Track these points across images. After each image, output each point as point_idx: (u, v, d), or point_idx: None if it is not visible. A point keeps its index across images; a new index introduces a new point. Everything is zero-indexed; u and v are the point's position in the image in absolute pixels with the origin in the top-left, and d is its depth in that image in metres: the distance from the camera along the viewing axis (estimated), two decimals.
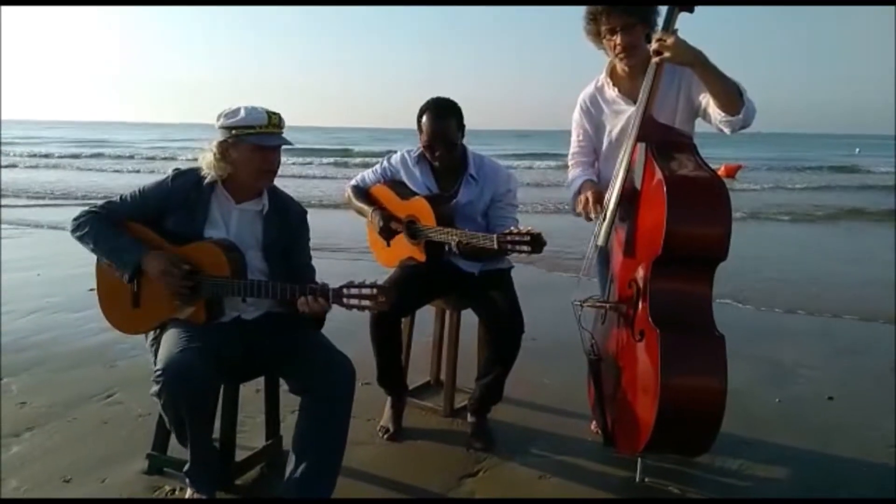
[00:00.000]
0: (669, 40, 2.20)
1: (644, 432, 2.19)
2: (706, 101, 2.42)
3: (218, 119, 2.23)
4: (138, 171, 19.58)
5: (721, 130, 2.42)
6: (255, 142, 2.20)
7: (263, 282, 2.20)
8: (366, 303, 2.07)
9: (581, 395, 2.89)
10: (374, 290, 2.07)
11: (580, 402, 2.98)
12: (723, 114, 2.34)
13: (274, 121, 2.22)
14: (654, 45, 2.24)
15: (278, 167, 2.31)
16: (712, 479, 2.60)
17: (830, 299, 5.57)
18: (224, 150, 2.23)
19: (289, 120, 2.32)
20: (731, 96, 2.29)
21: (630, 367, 2.34)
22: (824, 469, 2.71)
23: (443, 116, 2.76)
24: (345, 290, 2.09)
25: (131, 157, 25.94)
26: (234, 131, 2.19)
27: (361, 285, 2.08)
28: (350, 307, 2.09)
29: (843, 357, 4.16)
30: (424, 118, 2.77)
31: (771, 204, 13.14)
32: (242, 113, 2.19)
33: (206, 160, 2.26)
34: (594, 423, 2.88)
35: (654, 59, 2.27)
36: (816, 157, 31.88)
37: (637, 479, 2.49)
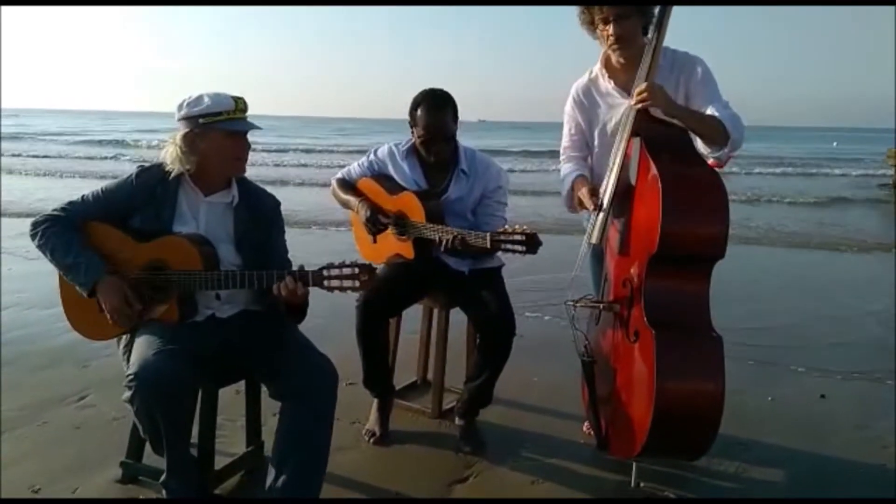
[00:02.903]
0: (655, 90, 2.18)
1: (639, 436, 2.12)
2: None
3: (179, 109, 2.12)
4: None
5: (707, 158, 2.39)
6: (226, 128, 2.10)
7: (236, 272, 2.09)
8: (348, 283, 1.99)
9: (571, 393, 2.81)
10: (356, 270, 1.98)
11: (570, 401, 2.91)
12: (707, 148, 2.31)
13: (240, 105, 2.12)
14: (634, 98, 2.21)
15: (248, 154, 2.22)
16: (709, 482, 2.53)
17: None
18: (191, 141, 2.11)
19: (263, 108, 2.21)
20: (715, 135, 2.26)
21: (625, 369, 2.27)
22: (821, 470, 2.66)
23: (440, 108, 2.64)
24: (325, 272, 2.00)
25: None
26: (200, 120, 2.08)
27: (342, 265, 1.99)
28: (332, 289, 2.01)
29: (833, 353, 4.11)
30: (420, 111, 2.64)
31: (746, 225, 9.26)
32: (207, 100, 2.08)
33: (169, 154, 2.14)
34: (586, 424, 2.82)
35: (635, 106, 2.22)
36: (794, 151, 31.65)
37: (632, 484, 2.42)
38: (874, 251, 7.95)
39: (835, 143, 43.53)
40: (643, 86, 2.19)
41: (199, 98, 2.09)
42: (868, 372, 3.73)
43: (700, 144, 2.33)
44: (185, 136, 2.11)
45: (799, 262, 7.43)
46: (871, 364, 3.86)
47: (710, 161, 2.34)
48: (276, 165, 18.48)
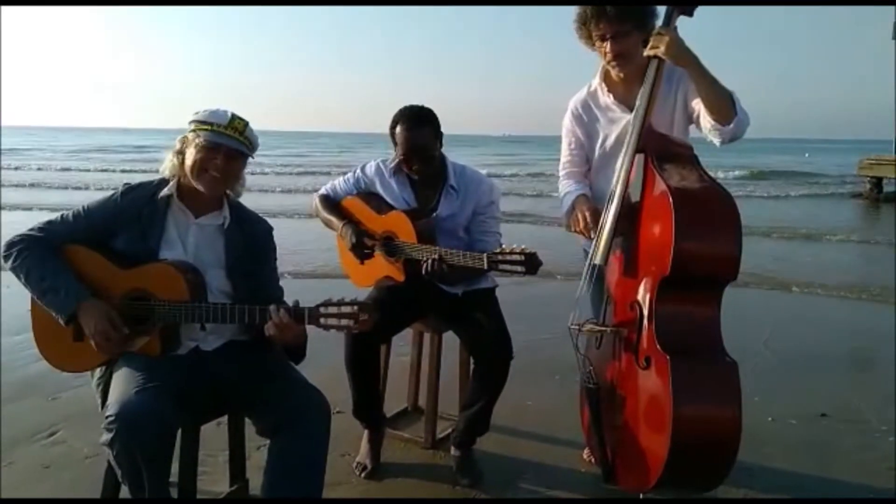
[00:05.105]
0: (666, 37, 2.11)
1: (655, 468, 2.00)
2: (699, 107, 2.29)
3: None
4: None
5: (711, 141, 2.32)
6: (203, 137, 2.00)
7: (225, 305, 1.96)
8: (345, 322, 1.86)
9: (567, 417, 2.70)
10: (355, 308, 1.86)
11: (567, 426, 2.79)
12: (713, 122, 2.23)
13: (236, 124, 2.01)
14: (650, 42, 2.15)
15: (226, 174, 2.05)
16: None
17: None
18: (182, 143, 2.05)
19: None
20: (724, 104, 2.18)
21: (634, 397, 2.16)
22: (829, 495, 2.58)
23: (418, 126, 2.54)
24: (321, 310, 1.88)
25: None
26: (192, 126, 2.02)
27: (340, 303, 1.87)
28: (328, 328, 1.88)
29: (828, 370, 4.06)
30: (398, 129, 2.55)
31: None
32: (207, 110, 2.02)
33: (167, 159, 2.08)
34: (586, 450, 2.71)
35: (647, 53, 2.17)
36: (767, 163, 31.58)
37: None
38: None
39: (806, 154, 44.33)
40: (664, 34, 2.12)
41: (205, 109, 2.03)
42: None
43: (705, 120, 2.26)
44: (181, 139, 2.05)
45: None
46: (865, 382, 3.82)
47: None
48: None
